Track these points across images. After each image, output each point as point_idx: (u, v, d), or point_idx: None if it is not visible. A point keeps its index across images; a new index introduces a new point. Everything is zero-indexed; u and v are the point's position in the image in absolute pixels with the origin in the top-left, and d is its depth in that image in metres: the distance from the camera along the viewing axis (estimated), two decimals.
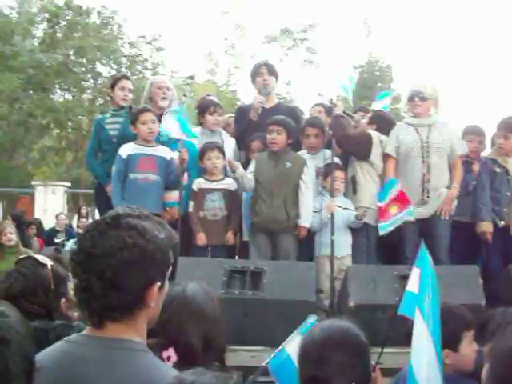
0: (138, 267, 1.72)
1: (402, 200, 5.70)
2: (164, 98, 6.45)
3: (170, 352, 1.99)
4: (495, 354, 1.55)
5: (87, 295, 1.74)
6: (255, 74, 6.72)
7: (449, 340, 2.86)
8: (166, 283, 1.85)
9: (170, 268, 1.86)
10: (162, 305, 1.88)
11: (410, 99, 6.12)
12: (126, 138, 6.10)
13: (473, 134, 6.58)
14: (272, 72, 6.73)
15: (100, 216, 1.89)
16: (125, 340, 1.75)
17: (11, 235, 7.42)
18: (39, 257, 3.04)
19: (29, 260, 3.01)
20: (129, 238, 1.72)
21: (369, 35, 28.41)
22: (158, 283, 1.78)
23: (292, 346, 2.79)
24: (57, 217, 12.74)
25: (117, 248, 1.71)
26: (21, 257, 3.17)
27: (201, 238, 5.93)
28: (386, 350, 3.83)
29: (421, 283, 2.94)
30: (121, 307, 1.74)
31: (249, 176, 6.01)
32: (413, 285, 3.17)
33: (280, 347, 2.99)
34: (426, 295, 2.83)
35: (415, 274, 3.05)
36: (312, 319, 2.86)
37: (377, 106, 7.16)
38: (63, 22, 22.90)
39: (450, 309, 3.11)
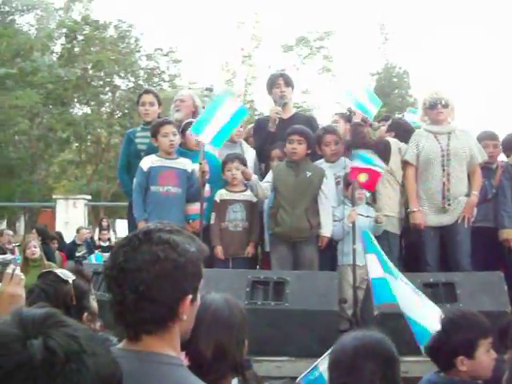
0: (170, 280, 1.75)
1: (372, 179, 5.74)
2: (177, 111, 6.52)
3: (181, 356, 1.98)
4: None
5: (121, 309, 1.77)
6: (272, 84, 6.74)
7: (464, 347, 2.85)
8: (198, 296, 1.87)
9: (202, 281, 1.88)
10: (194, 318, 1.90)
11: (433, 107, 6.08)
12: (154, 152, 6.10)
13: (487, 139, 6.54)
14: (288, 83, 6.75)
15: (130, 231, 1.92)
16: (159, 354, 1.77)
17: (35, 249, 7.47)
18: (61, 272, 3.05)
19: (50, 276, 3.02)
20: (161, 251, 1.75)
21: (385, 42, 28.36)
22: (190, 296, 1.80)
23: (325, 364, 2.80)
24: (78, 230, 12.82)
25: (149, 262, 1.74)
26: (42, 271, 3.18)
27: (218, 252, 5.95)
28: (409, 358, 3.83)
29: (383, 263, 3.00)
30: (154, 320, 1.76)
31: (264, 185, 6.02)
32: (375, 271, 3.21)
33: (313, 365, 3.00)
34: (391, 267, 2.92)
35: (373, 260, 3.10)
36: None
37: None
38: (81, 37, 23.12)
39: (466, 315, 3.07)
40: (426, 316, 2.94)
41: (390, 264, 3.06)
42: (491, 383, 2.91)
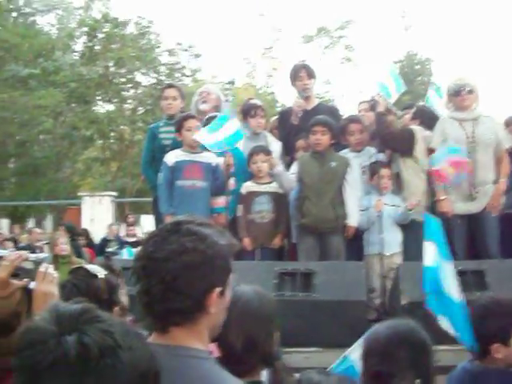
0: (197, 272, 1.75)
1: (458, 164, 5.65)
2: (204, 102, 6.52)
3: (212, 347, 1.99)
4: None
5: (149, 299, 1.77)
6: (295, 77, 6.73)
7: (498, 334, 2.84)
8: (228, 290, 1.86)
9: (231, 277, 1.87)
10: (224, 314, 1.90)
11: (457, 93, 6.02)
12: (179, 146, 6.12)
13: None
14: (311, 74, 6.74)
15: (156, 225, 1.93)
16: (187, 347, 1.77)
17: (64, 245, 7.52)
18: (91, 267, 3.08)
19: (81, 271, 3.05)
20: (189, 242, 1.75)
21: (407, 29, 28.13)
22: (218, 289, 1.79)
23: (356, 354, 2.79)
24: (109, 227, 12.93)
25: (177, 252, 1.74)
26: (73, 267, 3.20)
27: (246, 243, 5.96)
28: (441, 347, 3.81)
29: (440, 253, 2.98)
30: (181, 311, 1.76)
31: (290, 176, 6.02)
32: (429, 259, 3.19)
33: (344, 355, 3.00)
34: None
35: (430, 248, 3.06)
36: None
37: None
38: (101, 35, 23.24)
39: (499, 302, 3.05)
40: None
41: (448, 257, 3.03)
42: None
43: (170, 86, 6.89)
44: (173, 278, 1.73)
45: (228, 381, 1.75)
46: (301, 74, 6.67)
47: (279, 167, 6.09)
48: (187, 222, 1.83)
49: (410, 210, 5.90)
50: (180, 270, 1.73)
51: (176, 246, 1.75)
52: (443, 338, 3.49)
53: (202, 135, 5.76)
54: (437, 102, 7.15)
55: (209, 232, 1.81)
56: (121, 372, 1.33)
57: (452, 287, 3.10)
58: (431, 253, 3.08)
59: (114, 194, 17.27)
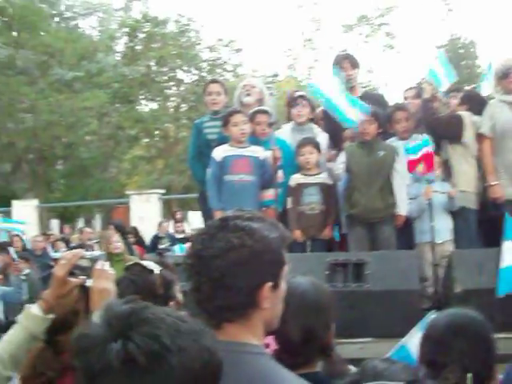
0: (246, 268, 1.73)
1: (428, 162, 5.62)
2: (248, 95, 6.50)
3: (269, 339, 1.98)
4: None
5: (199, 297, 1.78)
6: (338, 68, 6.69)
7: None
8: (282, 283, 1.84)
9: (286, 269, 1.85)
10: (280, 307, 1.87)
11: (505, 75, 5.91)
12: (225, 141, 6.13)
13: None
14: (354, 64, 6.70)
15: (204, 221, 1.93)
16: (241, 343, 1.76)
17: (118, 243, 7.63)
18: (147, 263, 3.12)
19: (137, 267, 3.09)
20: (236, 239, 1.74)
21: (449, 13, 27.65)
22: (270, 283, 1.76)
23: (412, 342, 2.77)
24: (160, 224, 13.06)
25: (224, 249, 1.73)
26: (128, 263, 3.25)
27: (297, 235, 5.97)
28: (497, 335, 3.75)
29: None
30: (232, 308, 1.75)
31: (338, 166, 6.01)
32: (507, 259, 3.09)
33: (399, 344, 2.97)
34: None
35: (509, 248, 2.97)
36: (433, 314, 2.81)
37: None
38: (142, 35, 23.47)
39: None
40: None
41: None
42: None
43: (214, 81, 6.93)
44: (221, 276, 1.72)
45: (284, 376, 1.74)
46: (344, 64, 6.62)
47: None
48: (235, 217, 1.81)
49: (452, 198, 5.84)
50: (228, 267, 1.72)
51: (223, 243, 1.74)
52: (499, 325, 3.45)
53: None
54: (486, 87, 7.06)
55: (257, 226, 1.78)
56: (170, 376, 1.29)
57: None
58: (509, 251, 2.99)
59: (161, 191, 17.43)
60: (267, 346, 2.00)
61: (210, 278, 1.74)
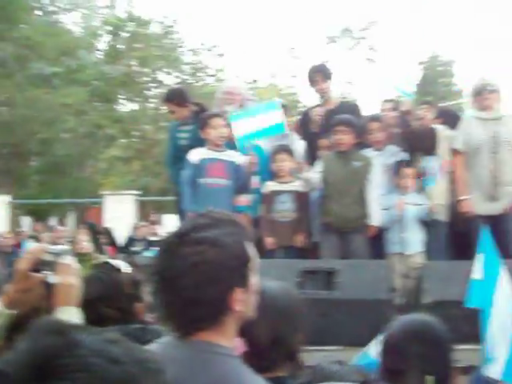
0: (213, 281, 1.72)
1: None
2: (228, 104, 6.52)
3: (238, 342, 1.96)
4: None
5: (169, 313, 1.78)
6: (311, 82, 6.75)
7: None
8: (253, 280, 1.82)
9: (254, 262, 1.83)
10: (254, 301, 1.86)
11: (479, 93, 6.01)
12: (196, 145, 6.15)
13: None
14: (326, 76, 6.71)
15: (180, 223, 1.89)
16: (213, 344, 1.76)
17: (85, 243, 7.58)
18: (116, 262, 3.11)
19: (105, 265, 3.08)
20: (197, 255, 1.71)
21: (430, 31, 27.97)
22: (240, 288, 1.76)
23: (375, 350, 2.79)
24: (135, 226, 12.97)
25: (188, 267, 1.71)
26: (98, 261, 3.23)
27: (269, 242, 5.98)
28: (462, 346, 3.79)
29: (486, 268, 2.90)
30: (205, 320, 1.75)
31: (314, 176, 6.04)
32: (477, 271, 3.11)
33: (363, 351, 2.99)
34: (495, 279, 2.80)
35: (480, 260, 3.00)
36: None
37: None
38: (125, 34, 23.36)
39: None
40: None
41: (502, 271, 2.92)
42: None
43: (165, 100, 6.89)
44: (189, 294, 1.71)
45: (252, 379, 1.74)
46: (316, 78, 6.67)
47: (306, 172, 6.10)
48: (191, 228, 1.78)
49: (434, 213, 5.91)
50: (194, 284, 1.71)
51: (184, 262, 1.71)
52: (466, 337, 3.49)
53: (234, 126, 5.85)
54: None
55: (215, 234, 1.76)
56: None
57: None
58: (480, 264, 3.01)
59: (137, 192, 17.33)
60: (234, 350, 1.97)
61: (179, 297, 1.73)
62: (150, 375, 1.13)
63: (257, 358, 1.99)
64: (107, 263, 3.10)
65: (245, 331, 1.94)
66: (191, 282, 1.70)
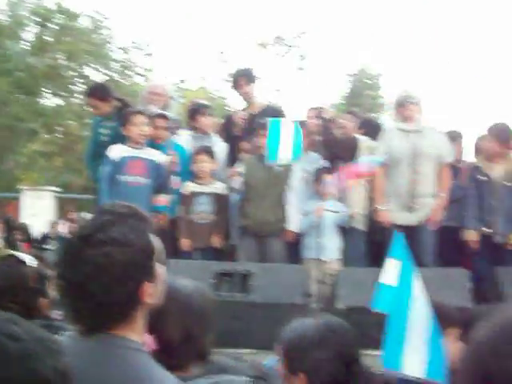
0: (123, 281, 1.70)
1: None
2: (153, 103, 6.46)
3: (148, 337, 1.94)
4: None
5: (78, 316, 1.74)
6: (235, 85, 6.76)
7: None
8: (159, 270, 1.81)
9: (159, 252, 1.82)
10: (161, 290, 1.85)
11: (401, 105, 6.12)
12: (118, 140, 6.05)
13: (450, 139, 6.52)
14: (250, 80, 6.73)
15: None
16: (122, 338, 1.74)
17: None
18: (21, 255, 3.04)
19: (11, 258, 3.02)
20: (103, 257, 1.68)
21: (360, 44, 28.61)
22: (148, 281, 1.75)
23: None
24: (52, 223, 12.68)
25: (94, 272, 1.67)
26: (4, 254, 3.16)
27: (185, 244, 5.94)
28: (375, 352, 3.83)
29: (402, 275, 2.94)
30: (115, 319, 1.73)
31: (236, 180, 6.03)
32: (389, 277, 3.15)
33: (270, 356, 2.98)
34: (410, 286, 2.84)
35: (393, 266, 3.03)
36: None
37: None
38: (53, 26, 22.81)
39: (435, 305, 3.12)
40: (408, 353, 2.82)
41: (415, 280, 2.94)
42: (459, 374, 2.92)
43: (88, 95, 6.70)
44: (98, 297, 1.68)
45: (158, 374, 1.72)
46: (240, 82, 6.68)
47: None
48: (94, 229, 1.73)
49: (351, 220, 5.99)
50: (103, 288, 1.68)
51: (91, 266, 1.67)
52: (379, 343, 3.52)
53: (281, 160, 5.73)
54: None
55: (120, 232, 1.72)
56: None
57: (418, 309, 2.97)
58: (393, 270, 3.03)
59: (57, 189, 16.94)
60: (144, 345, 1.94)
61: (86, 302, 1.69)
62: (50, 354, 1.17)
63: (167, 355, 1.96)
64: (12, 256, 3.05)
65: (156, 328, 1.94)
66: (100, 285, 1.67)
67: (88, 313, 1.71)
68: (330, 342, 2.23)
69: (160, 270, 1.82)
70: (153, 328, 1.91)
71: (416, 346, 2.77)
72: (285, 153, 5.68)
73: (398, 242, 3.02)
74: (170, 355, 2.01)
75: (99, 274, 1.67)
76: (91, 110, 6.57)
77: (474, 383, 1.29)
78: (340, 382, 2.18)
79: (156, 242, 1.81)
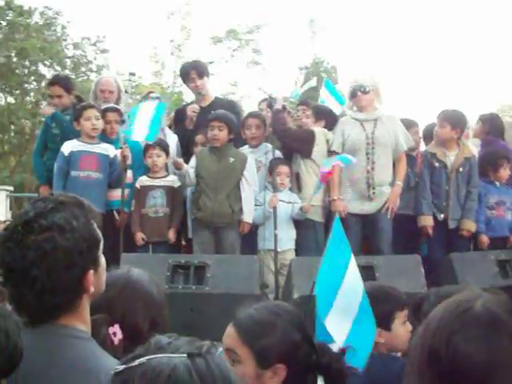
0: (65, 268, 1.69)
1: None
2: (105, 102, 6.42)
3: (116, 328, 1.97)
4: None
5: (22, 305, 1.72)
6: (186, 79, 6.71)
7: (382, 319, 2.89)
8: (101, 259, 1.83)
9: (101, 241, 1.83)
10: (104, 280, 1.87)
11: (353, 95, 6.14)
12: (69, 135, 6.01)
13: (406, 126, 6.57)
14: (202, 73, 6.66)
15: None
16: (67, 326, 1.74)
17: None
18: None
19: None
20: (46, 243, 1.68)
21: (314, 36, 28.70)
22: (92, 270, 1.76)
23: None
24: (4, 223, 12.44)
25: (37, 257, 1.67)
26: None
27: (138, 239, 5.90)
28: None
29: (335, 256, 2.98)
30: (60, 307, 1.73)
31: (190, 172, 6.00)
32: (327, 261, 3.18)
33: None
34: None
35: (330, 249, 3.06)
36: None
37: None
38: (4, 23, 22.35)
39: (383, 288, 3.17)
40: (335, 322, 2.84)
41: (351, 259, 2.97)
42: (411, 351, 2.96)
43: (53, 83, 6.65)
44: (42, 284, 1.67)
45: (107, 362, 1.71)
46: (192, 75, 6.62)
47: (185, 166, 6.04)
48: (38, 214, 1.72)
49: (305, 213, 5.99)
50: (47, 273, 1.67)
51: (34, 252, 1.67)
52: None
53: (135, 136, 5.80)
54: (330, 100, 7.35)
55: (63, 218, 1.72)
56: None
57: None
58: (331, 254, 3.06)
59: (11, 188, 16.66)
60: (114, 334, 1.99)
61: (30, 289, 1.67)
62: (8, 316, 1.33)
63: (134, 344, 1.95)
64: None
65: (122, 318, 1.97)
66: (43, 271, 1.66)
67: (32, 300, 1.69)
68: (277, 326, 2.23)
69: (102, 259, 1.84)
70: (121, 317, 1.96)
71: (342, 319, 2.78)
72: (141, 131, 5.76)
73: (336, 226, 3.06)
74: (137, 343, 2.01)
75: (42, 259, 1.67)
76: (51, 100, 6.44)
77: (423, 357, 1.36)
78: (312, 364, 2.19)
79: (99, 232, 1.82)
